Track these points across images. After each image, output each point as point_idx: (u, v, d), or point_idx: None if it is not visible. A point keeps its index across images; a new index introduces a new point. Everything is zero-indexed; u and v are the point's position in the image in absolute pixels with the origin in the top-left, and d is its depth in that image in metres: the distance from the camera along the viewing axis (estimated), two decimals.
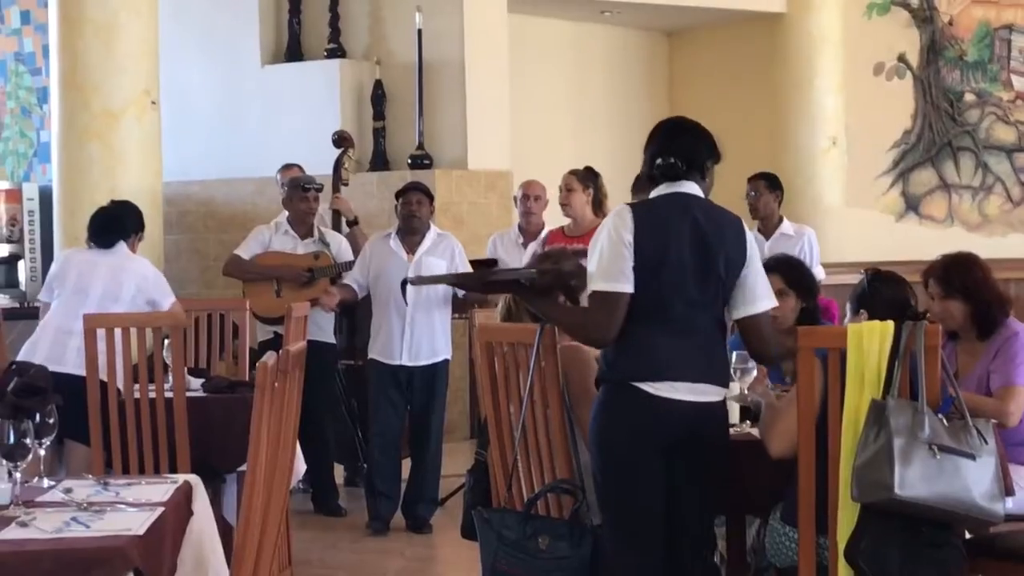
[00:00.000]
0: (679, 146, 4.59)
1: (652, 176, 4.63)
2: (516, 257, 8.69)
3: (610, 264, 4.43)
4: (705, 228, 4.50)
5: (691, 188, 4.57)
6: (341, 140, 9.63)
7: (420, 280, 7.23)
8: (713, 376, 4.53)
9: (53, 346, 6.72)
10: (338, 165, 9.40)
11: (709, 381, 4.51)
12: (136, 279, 6.98)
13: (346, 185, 9.40)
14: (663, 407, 4.43)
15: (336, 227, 9.02)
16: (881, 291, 5.30)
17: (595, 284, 4.47)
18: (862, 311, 5.17)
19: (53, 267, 7.32)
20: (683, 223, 4.48)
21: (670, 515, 4.50)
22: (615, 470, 4.49)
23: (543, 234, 8.76)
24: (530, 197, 8.91)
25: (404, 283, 6.66)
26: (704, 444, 4.50)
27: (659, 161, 4.57)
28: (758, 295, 4.59)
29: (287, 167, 9.39)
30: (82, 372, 6.29)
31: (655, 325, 4.44)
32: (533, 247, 8.58)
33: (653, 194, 4.60)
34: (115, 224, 7.13)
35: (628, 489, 4.48)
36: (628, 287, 4.42)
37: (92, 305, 6.76)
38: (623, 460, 4.47)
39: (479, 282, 5.09)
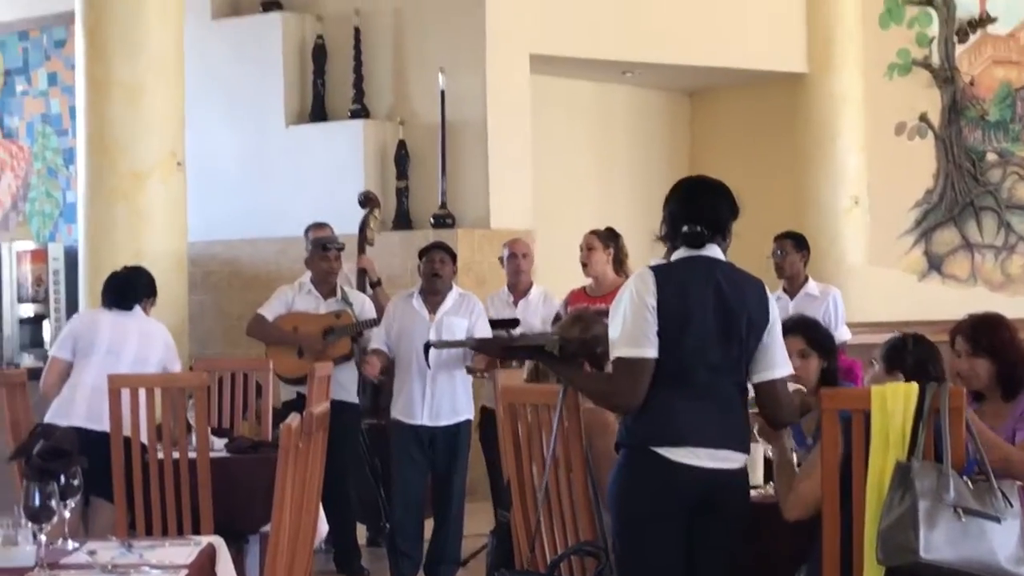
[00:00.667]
0: (704, 211, 4.56)
1: (673, 239, 4.61)
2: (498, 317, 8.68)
3: (634, 329, 4.41)
4: (728, 292, 4.49)
5: (713, 251, 4.56)
6: (367, 200, 9.66)
7: (442, 344, 7.21)
8: (734, 442, 4.51)
9: (91, 405, 6.76)
10: (364, 225, 9.43)
11: (730, 447, 4.49)
12: (161, 343, 7.15)
13: (371, 245, 9.43)
14: (682, 473, 4.41)
15: (361, 287, 9.04)
16: (919, 354, 5.29)
17: (619, 350, 4.44)
18: (897, 372, 5.15)
19: (74, 326, 7.35)
20: (706, 287, 4.47)
21: None
22: (633, 535, 4.47)
23: (538, 292, 8.79)
24: (518, 255, 8.89)
25: (427, 346, 6.64)
26: (724, 510, 4.48)
27: (685, 229, 4.54)
28: (777, 360, 4.58)
29: (317, 226, 9.37)
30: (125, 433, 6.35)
31: (676, 389, 4.42)
32: (557, 308, 8.60)
33: (674, 256, 4.58)
34: (131, 288, 7.27)
35: (646, 554, 4.45)
36: (652, 352, 4.40)
37: (125, 367, 6.87)
38: (641, 525, 4.45)
39: (501, 348, 5.05)
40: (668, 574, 4.46)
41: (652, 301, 4.41)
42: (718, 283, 4.49)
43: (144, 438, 6.27)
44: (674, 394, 4.42)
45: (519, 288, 8.85)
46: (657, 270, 4.52)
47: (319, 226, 9.31)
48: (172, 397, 6.48)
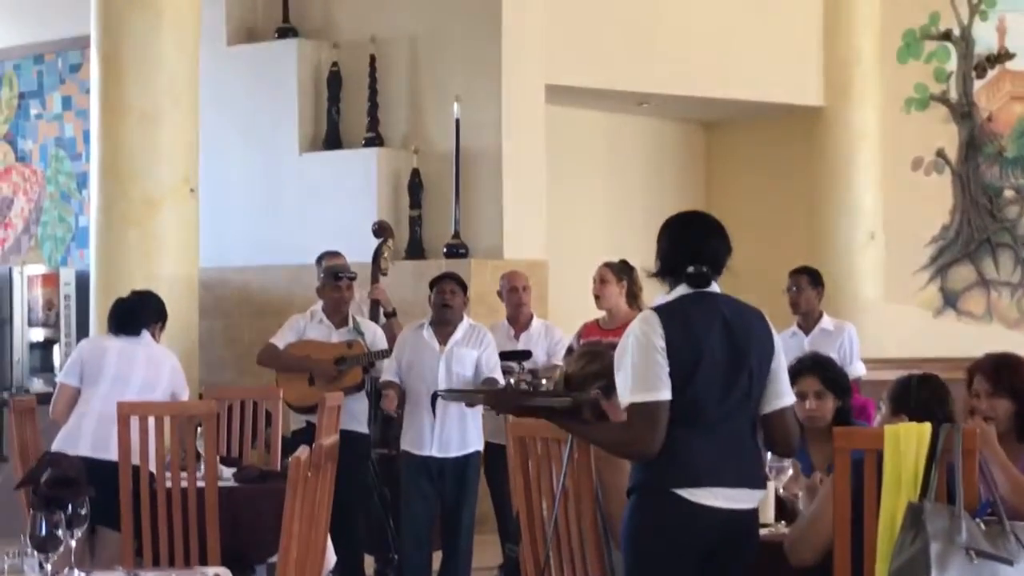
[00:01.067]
0: (708, 252, 4.51)
1: (670, 275, 4.54)
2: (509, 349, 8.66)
3: (646, 372, 4.34)
4: (734, 325, 4.46)
5: (715, 288, 4.53)
6: (381, 230, 9.64)
7: (451, 395, 7.17)
8: (750, 480, 4.48)
9: (97, 434, 6.72)
10: (377, 255, 9.41)
11: (746, 485, 4.45)
12: (169, 370, 7.08)
13: (385, 275, 9.40)
14: (701, 515, 4.36)
15: (374, 317, 9.02)
16: (921, 392, 5.25)
17: (632, 396, 4.36)
18: (902, 414, 5.11)
19: (82, 352, 7.27)
20: (712, 323, 4.43)
21: None
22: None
23: (539, 325, 8.78)
24: (519, 289, 8.88)
25: (434, 396, 6.56)
26: (737, 551, 4.45)
27: (691, 270, 4.47)
28: (784, 389, 4.56)
29: (330, 255, 9.36)
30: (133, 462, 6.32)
31: (691, 429, 4.36)
32: (559, 340, 8.58)
33: (675, 294, 4.51)
34: (138, 313, 7.21)
35: None
36: (667, 394, 4.33)
37: (133, 394, 6.81)
38: (659, 567, 4.39)
39: (513, 406, 4.90)
40: None
41: (660, 343, 4.34)
42: (724, 317, 4.46)
43: (152, 466, 6.24)
44: (689, 433, 4.36)
45: (520, 321, 8.84)
46: (660, 311, 4.46)
47: (332, 255, 9.30)
48: (181, 425, 6.46)
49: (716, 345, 4.40)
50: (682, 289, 4.50)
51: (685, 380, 4.35)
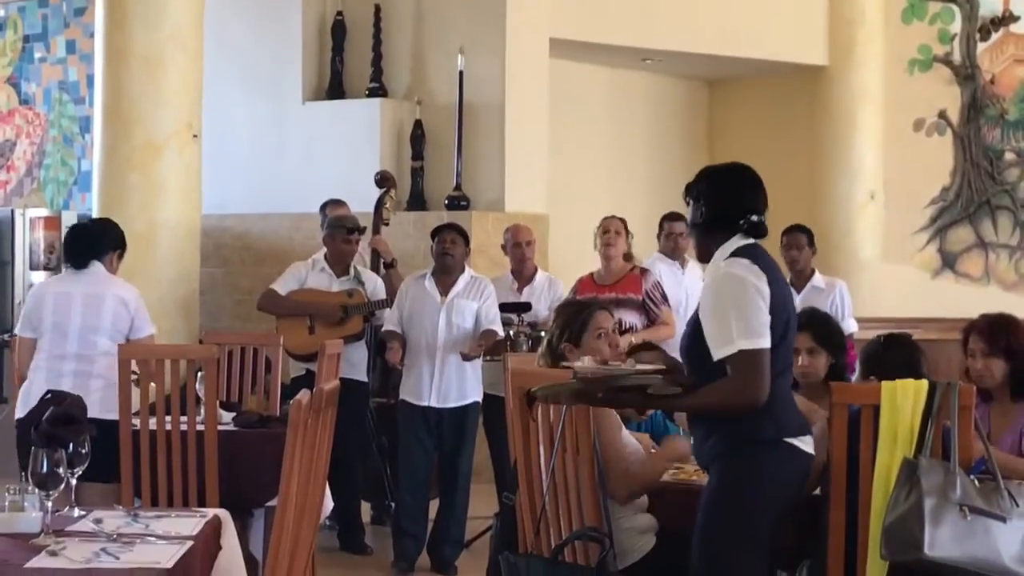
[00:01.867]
0: (763, 204, 4.51)
1: (729, 225, 4.48)
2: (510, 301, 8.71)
3: (752, 319, 4.26)
4: (786, 281, 4.56)
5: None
6: (383, 180, 9.63)
7: (543, 391, 6.23)
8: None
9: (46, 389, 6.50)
10: (379, 205, 9.40)
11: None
12: (113, 307, 6.64)
13: (387, 225, 9.40)
14: (807, 461, 4.42)
15: (375, 267, 9.03)
16: (891, 356, 5.26)
17: (740, 343, 4.25)
18: (872, 376, 5.14)
19: (28, 301, 6.96)
20: (782, 276, 4.49)
21: None
22: (764, 526, 4.36)
23: (543, 278, 8.80)
24: (522, 244, 8.88)
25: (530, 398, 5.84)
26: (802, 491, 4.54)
27: (755, 218, 4.45)
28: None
29: (335, 203, 9.35)
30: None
31: (784, 380, 4.39)
32: (562, 294, 8.59)
33: (733, 245, 4.44)
34: (89, 242, 6.77)
35: (764, 547, 4.39)
36: (769, 342, 4.28)
37: (74, 342, 6.57)
38: (776, 515, 4.37)
39: (605, 390, 4.72)
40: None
41: (766, 289, 4.30)
42: (780, 272, 4.53)
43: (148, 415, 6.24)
44: (785, 384, 4.39)
45: (524, 275, 8.85)
46: (754, 258, 4.38)
47: (336, 203, 9.30)
48: (181, 368, 6.46)
49: (790, 295, 4.50)
50: (741, 240, 4.45)
51: (781, 332, 4.33)
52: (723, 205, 4.49)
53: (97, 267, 6.70)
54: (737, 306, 4.28)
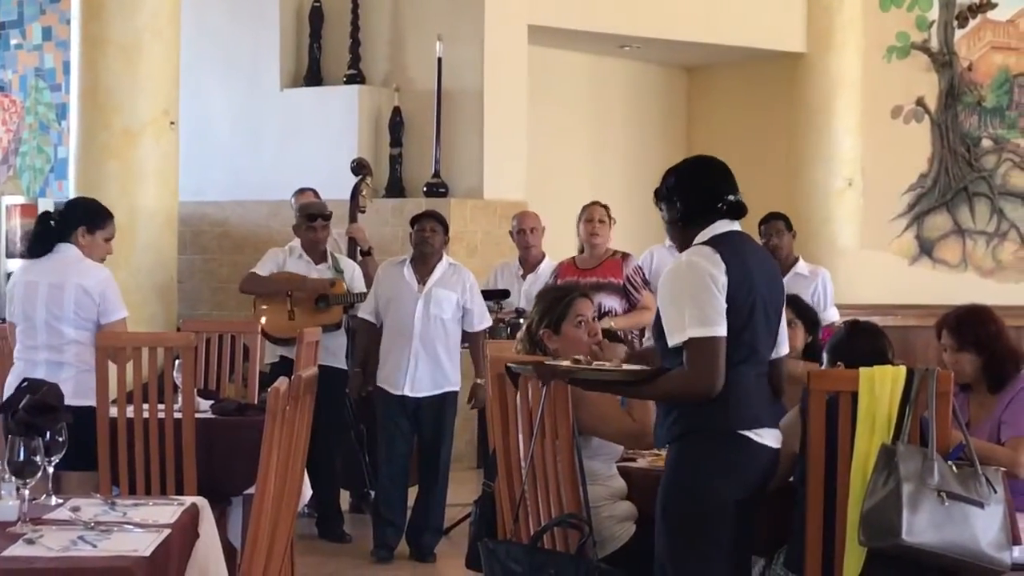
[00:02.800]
0: (736, 187, 4.51)
1: (705, 214, 4.47)
2: (515, 290, 8.76)
3: (706, 307, 4.25)
4: (767, 267, 4.51)
5: (739, 228, 4.52)
6: (360, 167, 9.62)
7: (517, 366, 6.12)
8: (780, 419, 4.52)
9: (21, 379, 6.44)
10: (356, 192, 9.39)
11: (778, 425, 4.49)
12: (74, 296, 6.43)
13: (363, 212, 9.39)
14: (763, 455, 4.38)
15: (351, 255, 9.02)
16: (857, 343, 5.27)
17: (692, 330, 4.25)
18: (839, 363, 5.14)
19: (8, 287, 6.85)
20: (756, 261, 4.44)
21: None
22: (720, 521, 4.35)
23: (548, 266, 8.80)
24: (526, 230, 8.93)
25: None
26: (767, 487, 4.50)
27: (731, 198, 4.45)
28: (784, 337, 4.58)
29: (301, 191, 9.41)
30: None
31: (747, 370, 4.34)
32: (546, 280, 8.60)
33: (711, 232, 4.43)
34: (50, 227, 6.51)
35: (732, 539, 4.38)
36: (724, 330, 4.26)
37: (42, 332, 6.45)
38: (725, 508, 4.34)
39: (566, 379, 4.61)
40: (743, 558, 4.47)
41: (723, 278, 4.27)
42: (761, 256, 4.51)
43: (126, 405, 6.21)
44: (747, 374, 4.33)
45: (529, 261, 8.90)
46: (715, 246, 4.37)
47: (302, 192, 9.34)
48: (158, 357, 6.43)
49: (763, 284, 4.41)
50: (723, 225, 4.44)
51: (744, 321, 4.31)
52: (698, 196, 4.49)
53: (65, 250, 6.48)
54: (691, 294, 4.28)
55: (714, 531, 4.34)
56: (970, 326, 5.48)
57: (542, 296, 5.43)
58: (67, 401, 5.36)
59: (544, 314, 5.25)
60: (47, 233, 6.51)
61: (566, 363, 4.57)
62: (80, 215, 6.58)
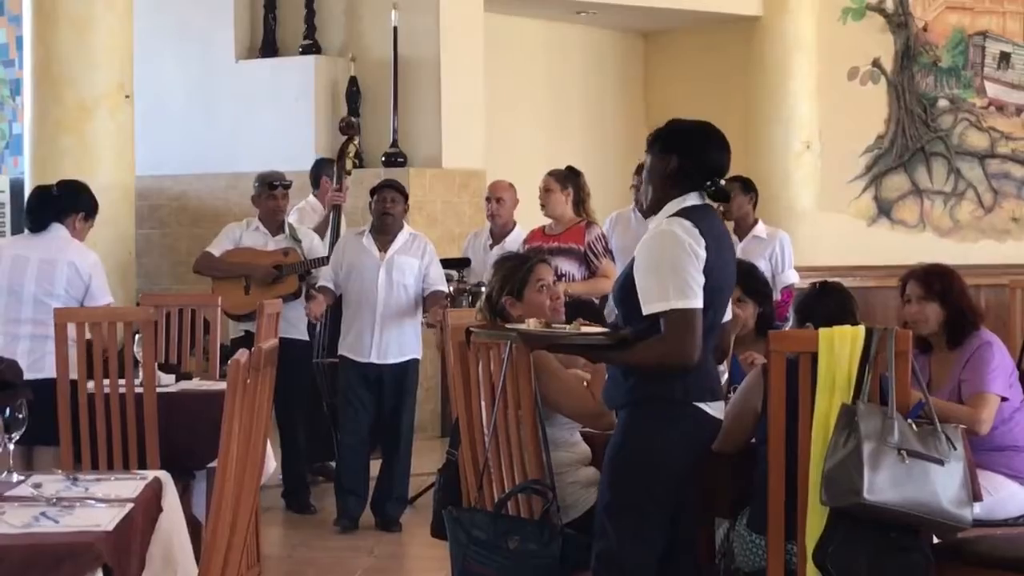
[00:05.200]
0: (728, 168, 4.52)
1: (685, 183, 4.44)
2: (483, 258, 8.73)
3: (686, 277, 4.25)
4: (728, 241, 4.53)
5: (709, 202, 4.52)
6: (347, 127, 9.45)
7: (482, 333, 5.99)
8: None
9: (2, 355, 6.46)
10: (342, 154, 9.24)
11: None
12: (66, 273, 6.59)
13: (349, 175, 9.28)
14: (712, 427, 4.44)
15: (336, 223, 8.94)
16: (824, 304, 5.31)
17: (672, 301, 4.24)
18: (807, 324, 5.18)
19: None
20: (726, 241, 4.48)
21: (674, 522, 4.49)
22: (668, 489, 4.40)
23: (517, 236, 8.78)
24: (491, 199, 8.92)
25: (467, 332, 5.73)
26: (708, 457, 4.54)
27: (723, 182, 4.44)
28: (729, 301, 4.62)
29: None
30: (36, 375, 6.17)
31: (706, 343, 4.33)
32: (516, 247, 8.59)
33: (684, 202, 4.41)
34: (50, 204, 6.70)
35: (678, 506, 4.45)
36: (701, 303, 4.27)
37: (28, 306, 6.52)
38: (674, 476, 4.40)
39: (546, 343, 4.62)
40: (686, 527, 4.53)
41: (702, 252, 4.27)
42: (724, 231, 4.53)
43: (90, 374, 6.19)
44: (704, 347, 4.33)
45: (496, 231, 8.88)
46: (693, 220, 4.35)
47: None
48: (118, 331, 6.40)
49: (731, 260, 4.48)
50: (695, 198, 4.42)
51: (711, 297, 4.31)
52: (695, 162, 4.44)
53: (57, 230, 6.64)
54: (673, 264, 4.27)
55: (656, 494, 4.39)
56: (938, 277, 5.58)
57: (501, 264, 5.42)
58: (52, 375, 5.67)
59: (505, 281, 5.25)
60: (45, 210, 6.65)
61: (540, 327, 4.57)
62: (79, 201, 6.75)
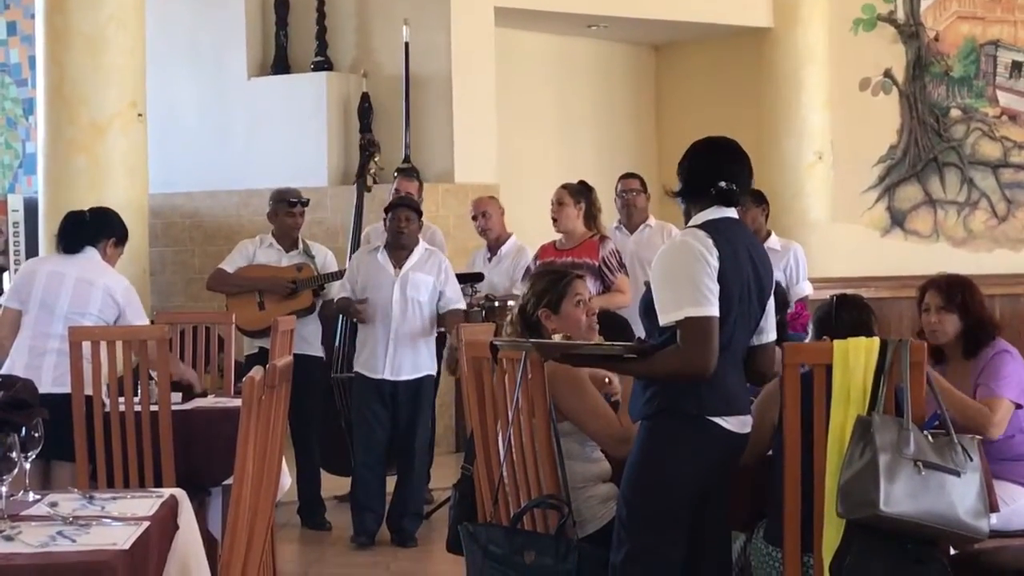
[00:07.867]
0: (738, 172, 4.52)
1: (699, 195, 4.49)
2: (483, 271, 8.76)
3: (700, 286, 4.27)
4: (757, 256, 4.50)
5: (735, 214, 4.52)
6: (369, 144, 9.51)
7: (502, 344, 5.90)
8: (750, 406, 4.56)
9: (28, 367, 6.44)
10: (362, 171, 9.28)
11: (750, 411, 4.53)
12: (101, 292, 6.71)
13: (369, 191, 9.32)
14: (732, 441, 4.42)
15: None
16: (843, 317, 5.30)
17: (687, 310, 4.26)
18: (825, 337, 5.17)
19: (17, 275, 7.05)
20: (743, 249, 4.44)
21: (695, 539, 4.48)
22: (678, 501, 4.40)
23: (512, 245, 8.80)
24: (477, 216, 8.97)
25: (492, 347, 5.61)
26: (732, 469, 4.53)
27: (723, 185, 4.45)
28: (772, 324, 4.60)
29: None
30: (59, 390, 6.24)
31: (724, 356, 4.32)
32: (528, 261, 8.60)
33: (705, 216, 4.46)
34: (84, 228, 6.83)
35: (684, 516, 4.44)
36: (717, 311, 4.28)
37: (60, 322, 6.58)
38: (686, 488, 4.40)
39: (560, 353, 4.59)
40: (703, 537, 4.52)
41: (715, 262, 4.29)
42: (750, 245, 4.50)
43: (104, 393, 6.21)
44: (723, 361, 4.32)
45: (489, 244, 8.91)
46: (708, 230, 4.38)
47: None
48: (134, 349, 6.42)
49: (749, 272, 4.43)
50: (714, 212, 4.45)
51: (727, 308, 4.32)
52: (692, 177, 4.51)
53: (91, 253, 6.77)
54: (687, 273, 4.29)
55: (672, 509, 4.39)
56: (959, 288, 5.59)
57: (539, 278, 5.39)
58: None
59: (542, 294, 5.22)
60: (79, 234, 6.79)
61: (559, 339, 4.59)
62: (110, 226, 6.90)
